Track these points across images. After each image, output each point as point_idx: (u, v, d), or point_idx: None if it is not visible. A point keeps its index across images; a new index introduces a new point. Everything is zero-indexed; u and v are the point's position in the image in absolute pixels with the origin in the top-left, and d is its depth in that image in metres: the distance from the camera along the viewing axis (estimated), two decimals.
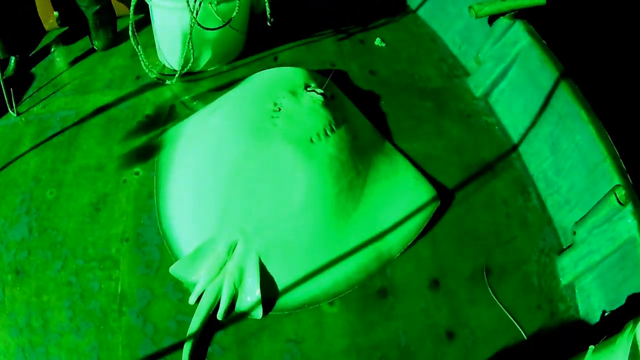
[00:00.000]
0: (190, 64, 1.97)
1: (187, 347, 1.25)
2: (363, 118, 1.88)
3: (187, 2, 1.79)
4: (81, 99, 1.89)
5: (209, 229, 1.44)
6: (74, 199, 1.53)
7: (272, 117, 1.61)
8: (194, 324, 1.28)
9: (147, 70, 1.96)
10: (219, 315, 1.33)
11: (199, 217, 1.49)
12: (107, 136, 1.74)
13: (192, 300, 1.34)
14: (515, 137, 1.89)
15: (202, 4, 1.83)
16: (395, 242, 1.57)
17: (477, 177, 1.77)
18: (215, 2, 1.87)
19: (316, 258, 1.48)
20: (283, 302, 1.41)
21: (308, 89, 1.70)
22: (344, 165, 1.59)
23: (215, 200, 1.51)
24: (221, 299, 1.34)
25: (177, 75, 1.97)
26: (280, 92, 1.69)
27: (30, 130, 1.76)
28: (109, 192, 1.55)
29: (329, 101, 1.70)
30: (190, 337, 1.26)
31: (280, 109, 1.63)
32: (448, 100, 2.06)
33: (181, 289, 1.37)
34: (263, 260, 1.43)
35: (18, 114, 1.82)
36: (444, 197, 1.68)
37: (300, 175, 1.52)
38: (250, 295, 1.38)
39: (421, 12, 2.51)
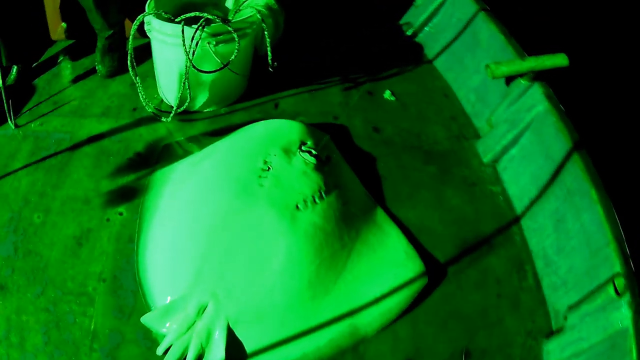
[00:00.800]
0: (186, 104, 1.90)
1: None
2: (357, 183, 1.79)
3: (183, 41, 1.72)
4: (77, 123, 1.90)
5: (182, 286, 1.41)
6: (58, 228, 1.56)
7: (260, 176, 1.55)
8: None
9: (144, 104, 1.93)
10: None
11: (174, 271, 1.46)
12: (97, 168, 1.74)
13: (159, 351, 1.32)
14: (519, 208, 1.79)
15: (199, 44, 1.76)
16: (373, 319, 1.48)
17: (472, 252, 1.67)
18: (214, 43, 1.79)
19: (287, 329, 1.42)
20: None
21: (303, 147, 1.63)
22: (328, 236, 1.51)
23: (191, 257, 1.46)
24: (187, 357, 1.31)
25: (171, 114, 1.91)
26: (272, 149, 1.62)
27: (26, 147, 1.79)
28: (93, 228, 1.56)
29: (322, 165, 1.63)
30: None
31: (269, 168, 1.57)
32: (453, 165, 1.95)
33: (150, 338, 1.36)
34: (232, 325, 1.39)
35: (16, 126, 1.85)
36: (434, 273, 1.58)
37: (280, 243, 1.45)
38: (216, 358, 1.33)
39: (438, 63, 2.40)
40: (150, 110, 1.94)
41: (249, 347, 1.40)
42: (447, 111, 2.20)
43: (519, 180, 1.82)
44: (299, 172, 1.58)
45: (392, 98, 2.21)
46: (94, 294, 1.42)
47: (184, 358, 1.30)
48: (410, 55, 2.46)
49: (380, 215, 1.72)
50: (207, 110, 2.04)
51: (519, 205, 1.79)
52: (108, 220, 1.58)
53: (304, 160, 1.60)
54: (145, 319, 1.36)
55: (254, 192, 1.52)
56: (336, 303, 1.48)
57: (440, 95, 2.28)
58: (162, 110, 1.99)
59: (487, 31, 2.06)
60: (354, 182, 1.78)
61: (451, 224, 1.75)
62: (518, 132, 1.83)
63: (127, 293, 1.44)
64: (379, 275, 1.55)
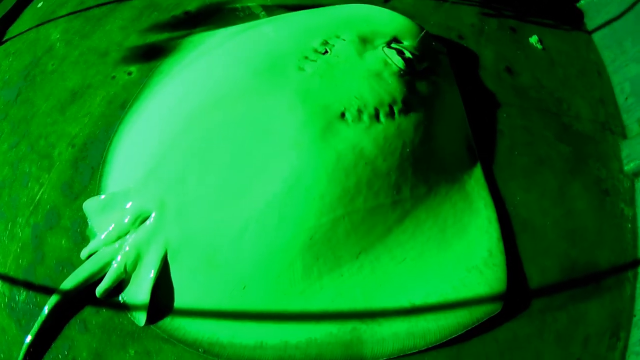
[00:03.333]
0: None
1: (51, 301, 1.06)
2: (462, 122, 1.28)
3: None
4: None
5: (135, 177, 1.10)
6: (63, 79, 1.48)
7: (307, 57, 1.10)
8: (67, 283, 1.06)
9: None
10: (97, 291, 1.04)
11: (137, 155, 1.15)
12: (135, 21, 1.61)
13: (82, 254, 1.09)
14: None
15: None
16: (390, 337, 0.98)
17: (570, 288, 1.24)
18: None
19: (250, 298, 0.97)
20: (179, 327, 1.00)
21: (392, 44, 1.16)
22: (376, 177, 1.02)
23: (158, 142, 1.10)
24: (106, 274, 1.04)
25: None
26: (345, 32, 1.16)
27: None
28: (93, 84, 1.45)
29: (413, 74, 1.14)
30: (58, 291, 1.06)
31: (326, 52, 1.12)
32: (591, 156, 1.49)
33: (83, 233, 1.17)
34: (172, 258, 1.00)
35: None
36: (514, 299, 1.13)
37: (289, 158, 0.98)
38: (139, 293, 1.02)
39: (596, 37, 1.99)
40: None
41: (186, 297, 0.99)
42: (598, 91, 1.75)
43: None
44: (370, 71, 1.10)
45: (539, 46, 1.71)
46: (57, 160, 1.32)
47: (104, 275, 1.06)
48: (568, 17, 2.01)
49: (476, 181, 1.19)
50: None
51: None
52: (113, 77, 1.45)
53: (386, 57, 1.12)
54: (86, 205, 1.13)
55: (284, 73, 1.08)
56: (345, 288, 0.99)
57: (593, 70, 1.83)
58: None
59: None
60: (455, 119, 1.26)
61: (566, 236, 1.29)
62: None
63: (87, 169, 1.28)
64: (434, 270, 1.04)
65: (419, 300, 1.00)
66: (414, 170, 1.08)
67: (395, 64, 1.13)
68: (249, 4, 1.61)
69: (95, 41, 1.56)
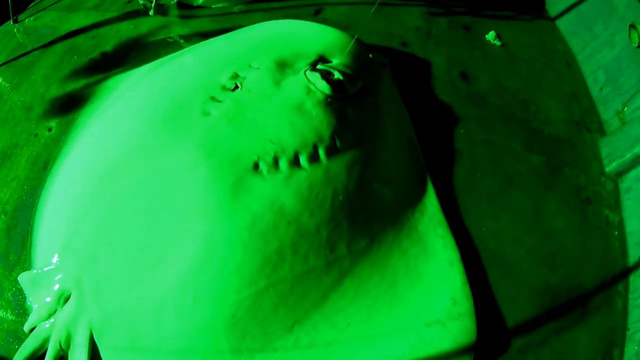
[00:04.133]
0: None
1: None
2: (410, 149, 1.12)
3: None
4: (66, 17, 1.83)
5: (56, 251, 1.03)
6: None
7: (212, 98, 0.97)
8: (18, 357, 1.01)
9: None
10: None
11: (57, 226, 1.07)
12: (56, 69, 1.63)
13: (25, 328, 1.04)
14: (633, 258, 1.28)
15: None
16: None
17: (555, 318, 1.12)
18: None
19: None
20: None
21: (317, 66, 1.02)
22: (302, 239, 0.87)
23: (72, 215, 1.05)
24: (47, 353, 0.97)
25: (153, 4, 1.68)
26: (258, 58, 1.03)
27: (12, 44, 1.76)
28: (19, 143, 1.45)
29: (341, 101, 0.98)
30: None
31: (236, 87, 0.98)
32: (567, 163, 1.35)
33: (22, 305, 1.14)
34: (97, 338, 0.91)
35: (15, 21, 1.81)
36: (487, 344, 1.00)
37: (198, 230, 0.85)
38: None
39: (561, 24, 1.87)
40: (141, 1, 1.75)
41: None
42: (569, 85, 1.61)
43: None
44: (289, 104, 0.94)
45: (497, 42, 1.57)
46: None
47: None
48: (527, 5, 1.89)
49: (431, 218, 1.03)
50: (217, 5, 1.74)
51: (634, 253, 1.29)
52: (36, 135, 1.45)
53: (308, 83, 0.96)
54: (21, 279, 1.08)
55: (188, 121, 0.95)
56: None
57: (561, 61, 1.70)
58: (160, 4, 1.75)
59: None
60: (402, 147, 1.10)
61: (544, 260, 1.16)
62: None
63: (19, 238, 1.25)
64: (387, 332, 0.88)
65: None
66: (351, 221, 0.91)
67: (320, 90, 0.96)
68: (166, 36, 1.61)
69: (21, 94, 1.61)
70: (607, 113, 1.57)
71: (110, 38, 1.69)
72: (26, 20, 1.84)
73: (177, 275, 0.82)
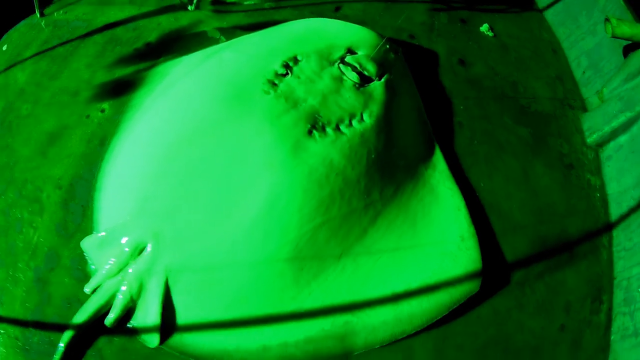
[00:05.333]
0: None
1: (65, 336, 1.09)
2: (422, 123, 1.33)
3: None
4: (100, 10, 1.82)
5: (127, 212, 1.13)
6: (39, 122, 1.49)
7: (270, 80, 1.18)
8: (78, 318, 1.09)
9: None
10: (107, 322, 1.08)
11: (126, 191, 1.18)
12: (99, 58, 1.64)
13: (87, 289, 1.11)
14: (614, 215, 1.44)
15: None
16: (380, 325, 1.05)
17: (548, 257, 1.31)
18: None
19: (249, 306, 1.04)
20: (189, 343, 1.06)
21: (347, 58, 1.25)
22: (347, 185, 1.09)
23: (144, 176, 1.15)
24: (113, 305, 1.07)
25: (194, 1, 1.75)
26: (302, 50, 1.25)
27: (42, 36, 1.74)
28: (69, 124, 1.46)
29: (366, 84, 1.22)
30: (71, 327, 1.09)
31: (288, 73, 1.20)
32: (551, 134, 1.53)
33: (85, 270, 1.20)
34: (172, 283, 1.06)
35: (42, 14, 1.79)
36: (492, 276, 1.20)
37: (265, 179, 1.05)
38: (148, 317, 1.06)
39: (548, 15, 2.02)
40: None
41: (193, 315, 1.05)
42: (553, 69, 1.78)
43: (622, 178, 1.48)
44: (329, 88, 1.18)
45: (490, 34, 1.75)
46: (46, 202, 1.32)
47: (111, 306, 1.09)
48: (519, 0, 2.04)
49: (441, 174, 1.26)
50: (248, 2, 1.81)
51: (615, 211, 1.45)
52: (88, 117, 1.47)
53: (341, 73, 1.21)
54: (84, 244, 1.17)
55: (250, 97, 1.15)
56: (333, 288, 1.06)
57: (548, 49, 1.87)
58: None
59: None
60: (415, 118, 1.33)
61: (533, 212, 1.35)
62: (633, 116, 1.49)
63: (78, 207, 1.30)
64: (411, 260, 1.11)
65: (401, 288, 1.06)
66: (381, 174, 1.14)
67: (351, 79, 1.21)
68: (206, 29, 1.67)
69: (64, 81, 1.59)
70: (588, 93, 1.72)
71: (152, 30, 1.73)
72: (55, 13, 1.81)
73: (249, 216, 1.03)
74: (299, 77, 1.18)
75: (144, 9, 1.79)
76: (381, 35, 1.40)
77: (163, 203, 1.08)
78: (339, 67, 1.22)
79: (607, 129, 1.54)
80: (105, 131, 1.41)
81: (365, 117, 1.16)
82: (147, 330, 1.06)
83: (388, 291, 1.05)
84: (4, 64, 1.65)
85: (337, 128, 1.12)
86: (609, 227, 1.41)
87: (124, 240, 1.08)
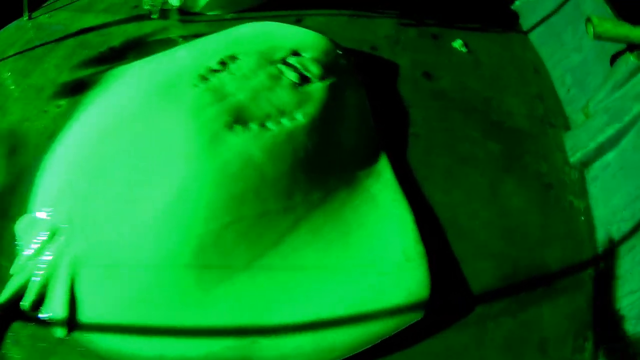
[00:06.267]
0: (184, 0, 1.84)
1: None
2: (366, 125, 1.25)
3: None
4: (77, 17, 1.96)
5: (53, 196, 1.12)
6: (5, 114, 1.55)
7: (202, 76, 1.16)
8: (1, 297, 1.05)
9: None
10: (23, 304, 1.03)
11: (56, 178, 1.17)
12: (67, 59, 1.74)
13: (11, 271, 1.08)
14: (602, 241, 1.26)
15: None
16: (291, 350, 0.89)
17: (520, 290, 1.13)
18: None
19: (152, 306, 0.95)
20: (91, 340, 0.97)
21: (289, 59, 1.22)
22: (264, 184, 1.00)
23: (72, 165, 1.15)
24: (28, 289, 1.03)
25: (157, 10, 1.88)
26: (244, 50, 1.23)
27: (27, 36, 1.86)
28: (30, 117, 1.53)
29: (305, 84, 1.18)
30: None
31: (222, 69, 1.18)
32: (526, 152, 1.40)
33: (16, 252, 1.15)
34: (78, 274, 1.00)
35: (30, 17, 1.93)
36: (443, 307, 1.02)
37: (179, 168, 1.00)
38: (56, 305, 0.99)
39: (533, 36, 1.95)
40: (146, 7, 1.91)
41: (93, 314, 0.98)
42: (535, 87, 1.67)
43: (610, 199, 1.32)
44: (263, 85, 1.14)
45: (463, 49, 1.66)
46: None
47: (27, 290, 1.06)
48: (501, 20, 2.00)
49: (384, 183, 1.14)
50: (211, 13, 1.90)
51: (602, 236, 1.28)
52: (46, 111, 1.53)
53: (279, 72, 1.17)
54: (16, 226, 1.15)
55: (179, 91, 1.13)
56: (241, 298, 0.94)
57: (529, 68, 1.77)
58: (165, 9, 1.91)
59: (591, 3, 1.67)
60: (359, 122, 1.25)
61: (502, 234, 1.19)
62: (621, 128, 1.36)
63: (21, 196, 1.27)
64: (339, 276, 0.97)
65: (324, 310, 0.91)
66: (308, 177, 1.05)
67: (289, 78, 1.16)
68: (170, 36, 1.76)
69: (34, 79, 1.68)
70: (573, 113, 1.60)
71: (118, 36, 1.84)
72: (40, 17, 1.97)
73: (157, 208, 0.96)
74: (233, 74, 1.15)
75: (116, 17, 1.93)
76: (334, 42, 1.32)
77: (79, 190, 1.06)
78: (277, 67, 1.17)
79: (592, 145, 1.40)
80: (57, 125, 1.43)
81: (298, 116, 1.09)
82: (55, 319, 1.01)
83: (309, 311, 0.91)
84: None
85: (263, 124, 1.05)
86: (596, 257, 1.24)
87: (44, 224, 1.06)
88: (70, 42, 1.81)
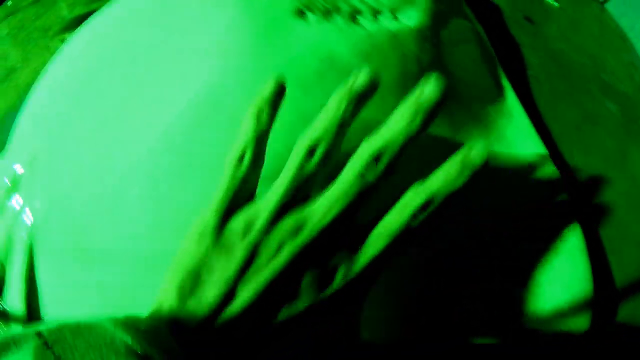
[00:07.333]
0: None
1: None
2: (485, 55, 0.97)
3: None
4: None
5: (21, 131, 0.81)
6: (5, 59, 1.42)
7: None
8: None
9: None
10: None
11: (30, 109, 0.87)
12: None
13: None
14: None
15: None
16: None
17: None
18: None
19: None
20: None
21: None
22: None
23: (53, 86, 0.85)
24: None
25: None
26: None
27: None
28: (30, 57, 1.40)
29: None
30: None
31: None
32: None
33: None
34: (40, 243, 0.64)
35: None
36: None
37: (206, 74, 0.61)
38: (12, 294, 0.63)
39: (610, 6, 1.69)
40: None
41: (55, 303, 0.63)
42: (626, 55, 1.43)
43: None
44: None
45: (556, 4, 1.39)
46: None
47: None
48: None
49: (519, 127, 0.87)
50: None
51: None
52: (48, 47, 1.44)
53: None
54: None
55: None
56: None
57: (615, 34, 1.54)
58: None
59: None
60: (477, 52, 0.94)
61: None
62: None
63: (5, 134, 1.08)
64: None
65: None
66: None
67: None
68: None
69: (44, 21, 1.55)
70: None
71: None
72: None
73: (157, 136, 0.59)
74: None
75: None
76: None
77: (56, 116, 0.71)
78: None
79: None
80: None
81: (402, 17, 0.75)
82: (12, 314, 0.64)
83: None
84: (4, 16, 1.66)
85: (353, 17, 0.71)
86: None
87: (7, 167, 0.72)
88: None
